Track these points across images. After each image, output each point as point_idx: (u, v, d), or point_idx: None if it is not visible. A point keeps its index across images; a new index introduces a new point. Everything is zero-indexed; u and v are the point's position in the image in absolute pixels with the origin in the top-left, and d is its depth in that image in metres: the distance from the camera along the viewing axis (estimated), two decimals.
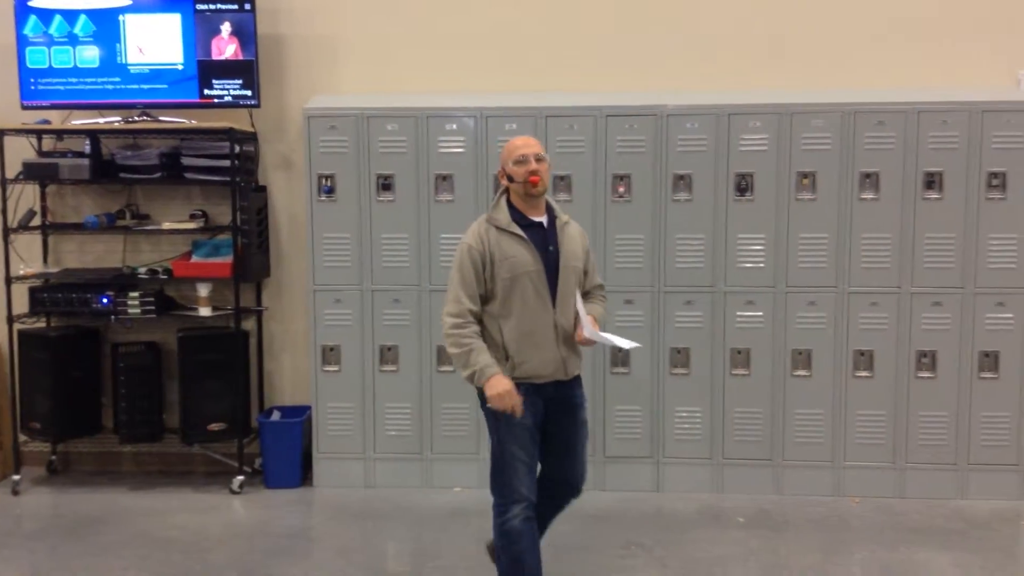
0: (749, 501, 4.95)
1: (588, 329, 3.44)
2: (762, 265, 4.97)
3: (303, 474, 5.27)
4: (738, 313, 4.99)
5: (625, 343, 3.54)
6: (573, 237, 3.57)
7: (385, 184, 5.07)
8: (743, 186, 4.94)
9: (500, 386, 3.34)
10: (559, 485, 3.60)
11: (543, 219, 3.52)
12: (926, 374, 4.95)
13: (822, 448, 5.02)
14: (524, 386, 3.40)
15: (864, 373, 4.97)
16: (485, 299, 3.46)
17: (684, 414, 5.06)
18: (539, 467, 3.57)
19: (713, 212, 4.96)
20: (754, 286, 4.98)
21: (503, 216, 3.47)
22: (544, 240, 3.50)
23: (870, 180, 4.89)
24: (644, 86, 5.19)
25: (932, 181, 4.87)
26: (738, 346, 5.00)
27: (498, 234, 3.45)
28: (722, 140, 4.92)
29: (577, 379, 3.58)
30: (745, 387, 5.02)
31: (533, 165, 3.43)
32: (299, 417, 5.29)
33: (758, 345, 5.00)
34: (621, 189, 4.98)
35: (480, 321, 3.46)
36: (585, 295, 3.61)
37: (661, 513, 4.82)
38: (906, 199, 4.89)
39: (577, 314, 3.47)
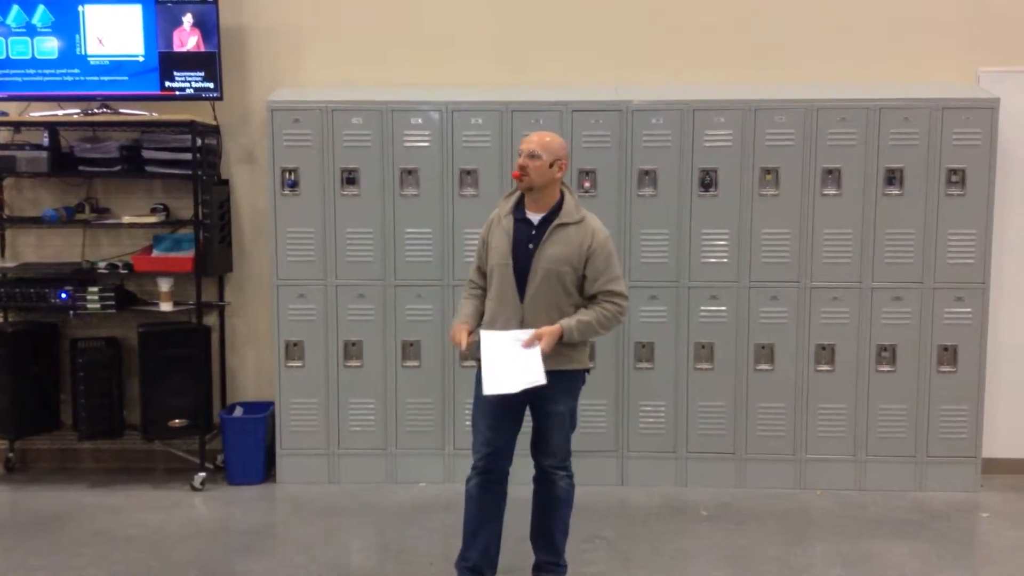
0: (712, 494, 4.99)
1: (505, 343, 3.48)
2: (725, 260, 5.00)
3: (266, 470, 5.23)
4: (702, 308, 5.02)
5: (514, 386, 3.43)
6: (567, 240, 3.54)
7: (350, 178, 5.03)
8: (707, 182, 4.97)
9: (453, 328, 3.68)
10: (535, 466, 3.75)
11: (537, 216, 3.57)
12: (886, 368, 5.01)
13: (784, 442, 5.07)
14: None
15: (825, 367, 5.02)
16: (486, 276, 3.70)
17: (648, 408, 5.08)
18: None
19: (678, 207, 4.98)
20: (718, 281, 5.01)
21: (504, 207, 3.67)
22: (528, 237, 3.55)
23: (832, 176, 4.94)
24: (610, 81, 5.21)
25: (893, 177, 4.93)
26: (702, 340, 5.03)
27: (497, 222, 3.66)
28: (687, 135, 4.95)
29: (553, 374, 3.48)
30: (708, 381, 5.05)
31: (521, 160, 3.54)
32: (262, 413, 5.25)
33: (721, 340, 5.03)
34: (587, 184, 4.99)
35: (485, 292, 3.71)
36: (591, 299, 3.58)
37: (625, 506, 4.85)
38: (867, 195, 4.94)
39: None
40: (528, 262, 3.53)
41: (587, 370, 3.73)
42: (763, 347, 5.03)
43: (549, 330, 3.48)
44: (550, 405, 3.61)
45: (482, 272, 3.75)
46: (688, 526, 4.60)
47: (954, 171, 4.92)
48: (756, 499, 4.94)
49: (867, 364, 5.01)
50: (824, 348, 5.02)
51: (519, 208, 3.63)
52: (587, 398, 5.00)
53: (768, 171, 4.95)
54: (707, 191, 4.97)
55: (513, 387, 3.43)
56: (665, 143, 4.96)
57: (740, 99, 4.94)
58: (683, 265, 5.01)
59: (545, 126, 4.95)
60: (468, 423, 5.03)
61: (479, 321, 3.70)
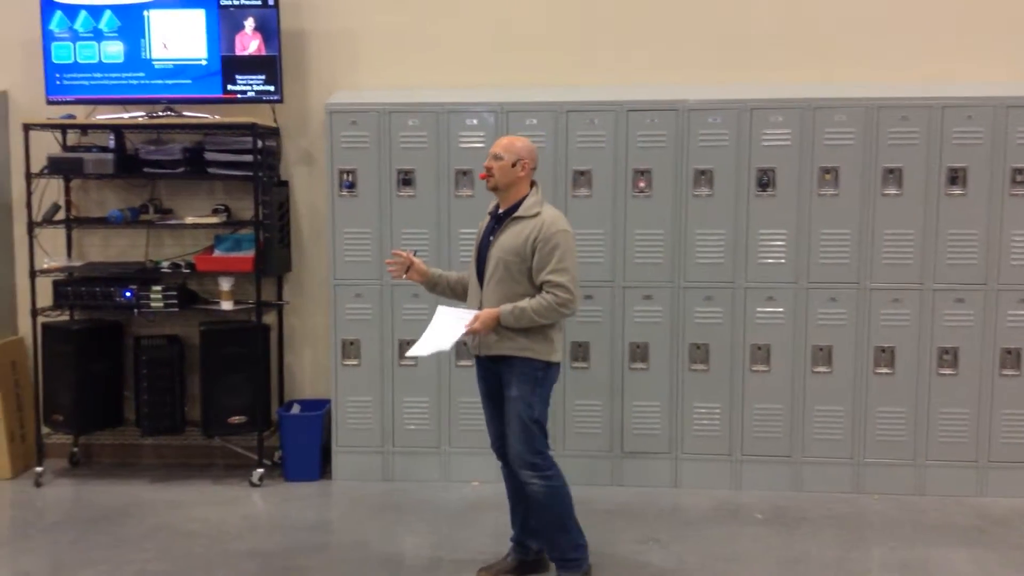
0: (767, 498, 4.93)
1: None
2: (783, 261, 4.95)
3: (322, 467, 5.30)
4: (758, 309, 4.97)
5: (424, 351, 3.77)
6: (517, 232, 3.73)
7: (406, 179, 5.08)
8: (765, 181, 4.92)
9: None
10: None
11: (502, 211, 3.84)
12: (947, 371, 4.92)
13: (841, 445, 4.99)
14: (476, 359, 3.92)
15: (884, 370, 4.94)
16: None
17: (703, 410, 5.05)
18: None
19: (734, 207, 4.94)
20: (775, 282, 4.96)
21: (491, 205, 3.92)
22: (490, 230, 3.85)
23: (893, 176, 4.86)
24: (666, 80, 5.19)
25: (956, 177, 4.84)
26: (758, 342, 4.99)
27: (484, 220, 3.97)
28: (744, 135, 4.91)
29: (508, 359, 3.75)
30: (764, 383, 5.00)
31: (487, 161, 3.80)
32: (319, 410, 5.32)
33: (778, 341, 4.98)
34: (641, 184, 4.97)
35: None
36: (540, 288, 3.72)
37: (678, 509, 4.82)
38: (929, 195, 4.85)
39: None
40: (487, 252, 3.80)
41: (549, 363, 3.80)
42: (820, 349, 4.96)
43: (485, 313, 3.70)
44: (506, 390, 3.81)
45: None
46: (743, 529, 4.56)
47: (1019, 171, 4.81)
48: (812, 503, 4.88)
49: (927, 367, 4.92)
50: (883, 351, 4.94)
51: (497, 206, 3.90)
52: (641, 399, 5.05)
53: (827, 170, 4.89)
54: (764, 191, 4.92)
55: (423, 352, 3.78)
56: (722, 142, 4.92)
57: (798, 98, 4.89)
58: (739, 266, 4.97)
59: (599, 126, 4.96)
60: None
61: (443, 281, 4.02)
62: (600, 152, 4.98)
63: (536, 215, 3.75)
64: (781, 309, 4.97)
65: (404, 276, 3.98)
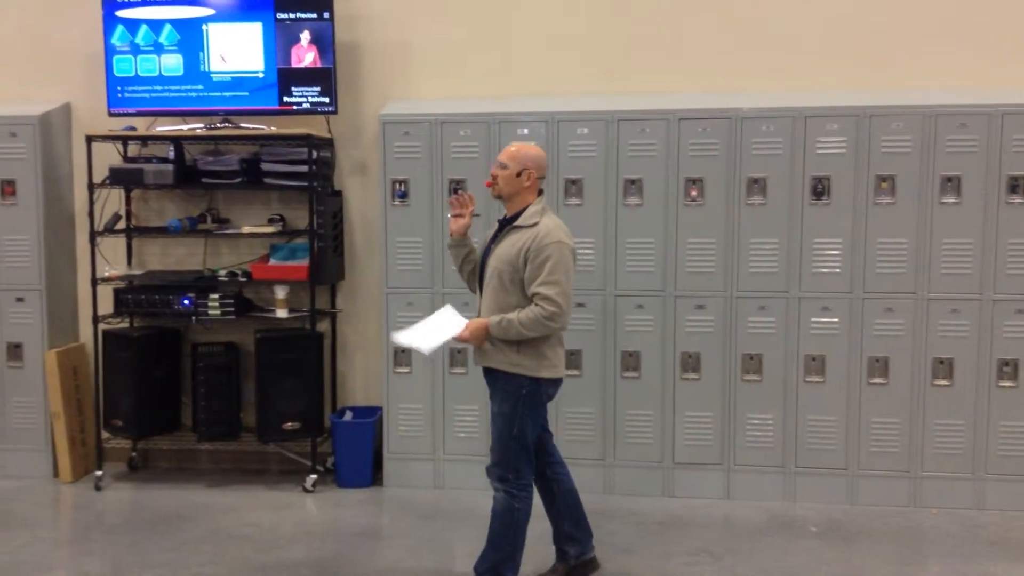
0: (822, 511, 4.86)
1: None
2: (838, 270, 4.89)
3: (374, 474, 5.34)
4: (813, 319, 4.91)
5: (405, 342, 3.87)
6: (513, 242, 3.71)
7: (457, 188, 5.12)
8: (819, 190, 4.86)
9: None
10: None
11: (505, 219, 3.83)
12: (1007, 383, 4.81)
13: (898, 458, 4.91)
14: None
15: (943, 382, 4.85)
16: None
17: (756, 421, 5.00)
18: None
19: (788, 216, 4.89)
20: (830, 292, 4.90)
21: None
22: (492, 239, 3.85)
23: (951, 184, 4.78)
24: (716, 88, 5.16)
25: (1016, 185, 4.74)
26: (813, 353, 4.92)
27: None
28: (798, 143, 4.86)
29: (495, 372, 3.76)
30: (819, 395, 4.94)
31: (493, 169, 3.80)
32: (371, 418, 5.37)
33: (834, 352, 4.91)
34: (693, 193, 4.95)
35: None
36: (531, 300, 3.66)
37: (730, 521, 4.77)
38: (988, 204, 4.76)
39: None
40: (486, 261, 3.80)
41: (538, 379, 3.72)
42: (876, 360, 4.89)
43: (475, 322, 3.71)
44: (492, 404, 3.83)
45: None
46: (796, 542, 4.50)
47: None
48: (868, 516, 4.80)
49: (987, 379, 4.82)
50: (942, 362, 4.85)
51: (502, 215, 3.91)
52: (693, 410, 5.01)
53: (884, 179, 4.82)
54: (819, 199, 4.87)
55: (405, 342, 3.87)
56: (776, 151, 4.88)
57: (854, 105, 4.83)
58: (793, 275, 4.91)
59: (651, 135, 4.94)
60: (572, 431, 5.09)
61: (470, 257, 3.97)
62: (651, 161, 4.96)
63: (534, 225, 3.69)
64: (836, 319, 4.90)
65: (459, 219, 3.90)
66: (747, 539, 4.53)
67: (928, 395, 4.86)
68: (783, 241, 4.91)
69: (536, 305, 3.62)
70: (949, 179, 4.78)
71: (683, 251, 4.97)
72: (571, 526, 4.02)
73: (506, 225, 3.78)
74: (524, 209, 3.76)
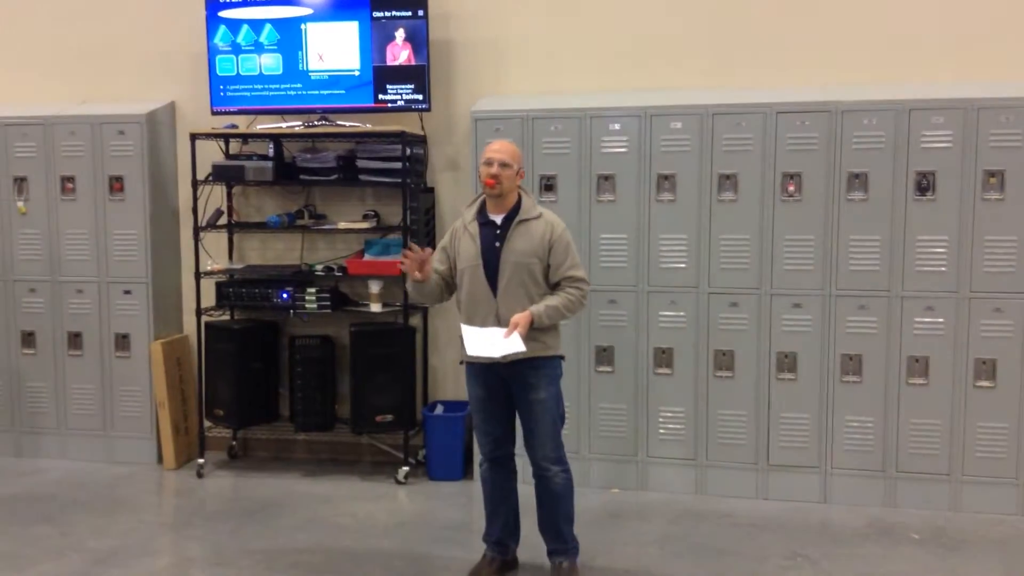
0: (924, 517, 4.71)
1: (494, 337, 3.77)
2: (943, 269, 4.71)
3: (464, 467, 5.38)
4: (916, 319, 4.75)
5: (502, 351, 3.75)
6: (528, 234, 3.82)
7: (548, 185, 5.11)
8: (924, 185, 4.70)
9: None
10: (529, 457, 4.01)
11: (500, 216, 3.87)
12: None
13: (1006, 464, 4.71)
14: (473, 364, 3.89)
15: None
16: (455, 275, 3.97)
17: (855, 424, 4.86)
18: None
19: (891, 212, 4.74)
20: (934, 291, 4.73)
21: (468, 214, 3.96)
22: (494, 237, 3.85)
23: None
24: (815, 81, 5.02)
25: None
26: (916, 354, 4.77)
27: (462, 230, 3.94)
28: (902, 137, 4.70)
29: (530, 362, 3.81)
30: (922, 397, 4.77)
31: (494, 169, 3.83)
32: (462, 411, 5.40)
33: (938, 353, 4.74)
34: (791, 188, 4.83)
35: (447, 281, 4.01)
36: (555, 286, 3.84)
37: (827, 525, 4.65)
38: None
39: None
40: (497, 259, 3.82)
41: (562, 357, 3.95)
42: (983, 363, 4.70)
43: (521, 318, 3.73)
44: (532, 393, 3.86)
45: (442, 263, 4.01)
46: (897, 549, 4.36)
47: None
48: (973, 524, 4.62)
49: None
50: None
51: (482, 213, 3.92)
52: (789, 411, 4.90)
53: (992, 174, 4.63)
54: (924, 195, 4.70)
55: (495, 353, 3.75)
56: (878, 145, 4.73)
57: (961, 98, 4.65)
58: (895, 273, 4.76)
59: (747, 128, 4.84)
60: (663, 431, 5.03)
61: (435, 283, 3.96)
62: (747, 155, 4.87)
63: (540, 216, 3.88)
64: (941, 319, 4.73)
65: (417, 274, 3.88)
66: (845, 544, 4.41)
67: None
68: (886, 238, 4.75)
69: (573, 288, 3.84)
70: None
71: (779, 248, 4.86)
72: (517, 519, 4.15)
73: (508, 222, 3.85)
74: (518, 203, 3.89)
